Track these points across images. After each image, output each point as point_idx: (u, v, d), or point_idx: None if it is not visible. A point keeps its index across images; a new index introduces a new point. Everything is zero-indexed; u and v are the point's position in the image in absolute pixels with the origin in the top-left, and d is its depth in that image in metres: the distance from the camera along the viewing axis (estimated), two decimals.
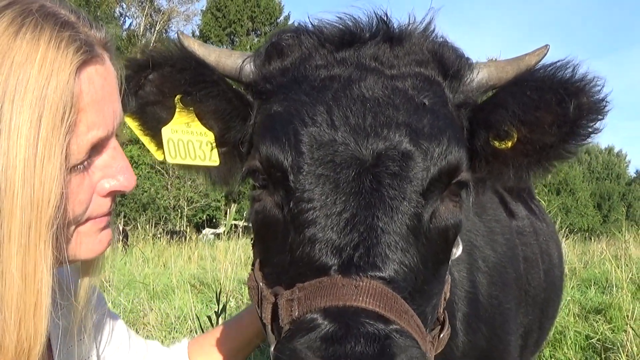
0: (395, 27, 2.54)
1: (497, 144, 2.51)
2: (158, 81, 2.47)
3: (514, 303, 3.86)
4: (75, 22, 2.10)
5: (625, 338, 7.75)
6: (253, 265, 2.47)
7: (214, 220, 48.80)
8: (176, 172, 46.27)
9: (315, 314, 1.86)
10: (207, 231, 36.16)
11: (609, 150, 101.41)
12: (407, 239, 2.08)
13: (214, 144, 2.64)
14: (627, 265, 13.65)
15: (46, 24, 1.98)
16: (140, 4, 64.96)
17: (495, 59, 2.79)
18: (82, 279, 2.48)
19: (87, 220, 2.22)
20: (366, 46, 2.46)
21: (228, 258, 16.17)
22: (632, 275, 12.64)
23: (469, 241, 3.54)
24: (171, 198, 45.19)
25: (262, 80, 2.55)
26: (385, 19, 2.53)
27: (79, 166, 2.09)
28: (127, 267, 15.73)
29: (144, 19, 62.34)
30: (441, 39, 2.60)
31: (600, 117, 2.38)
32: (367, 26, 2.51)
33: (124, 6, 62.59)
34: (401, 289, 1.97)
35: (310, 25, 2.59)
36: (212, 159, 2.65)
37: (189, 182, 46.72)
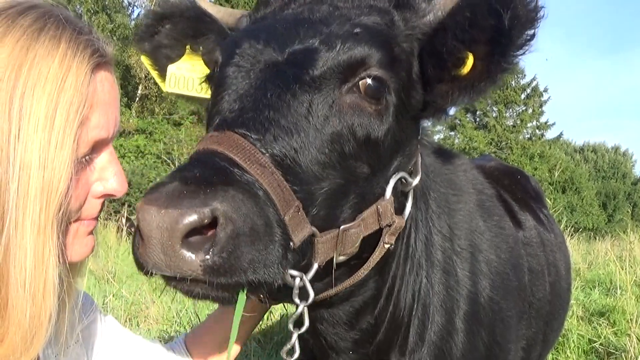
0: None
1: (454, 72, 2.64)
2: (170, 29, 3.03)
3: (516, 312, 3.84)
4: (87, 29, 2.32)
5: (629, 343, 7.71)
6: None
7: None
8: (182, 162, 46.36)
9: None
10: None
11: (616, 149, 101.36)
12: (293, 118, 2.31)
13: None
14: (631, 267, 13.59)
15: (66, 27, 2.20)
16: None
17: None
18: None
19: (79, 219, 2.36)
20: None
21: None
22: (636, 277, 12.60)
23: (473, 242, 3.58)
24: None
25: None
26: None
27: (82, 159, 2.26)
28: (130, 257, 15.72)
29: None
30: None
31: (534, 23, 2.48)
32: None
33: None
34: (267, 151, 2.18)
35: None
36: (208, 92, 3.08)
37: None
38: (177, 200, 1.86)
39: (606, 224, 70.73)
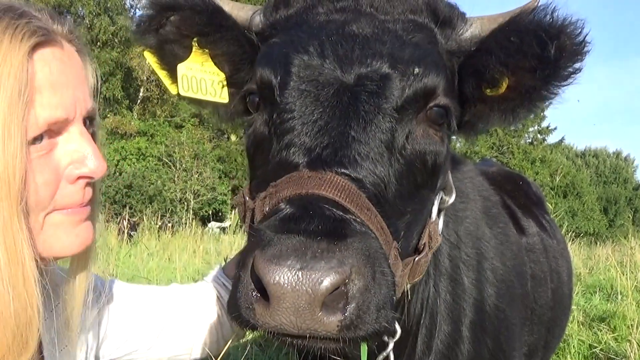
0: None
1: (488, 91, 2.67)
2: (178, 22, 2.71)
3: (519, 319, 3.84)
4: (33, 14, 2.26)
5: (629, 349, 7.70)
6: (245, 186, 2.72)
7: (220, 214, 48.83)
8: (183, 165, 46.38)
9: (280, 203, 2.03)
10: (213, 225, 36.13)
11: (617, 154, 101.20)
12: (379, 151, 2.27)
13: (225, 83, 2.89)
14: (632, 272, 13.57)
15: (5, 15, 2.15)
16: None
17: None
18: (72, 277, 2.53)
19: (55, 209, 2.29)
20: None
21: (234, 253, 16.14)
22: (637, 283, 12.58)
23: (479, 250, 3.58)
24: (178, 191, 45.25)
25: (269, 27, 2.78)
26: None
27: (38, 143, 2.19)
28: (131, 259, 15.70)
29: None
30: None
31: (580, 57, 2.50)
32: None
33: None
34: (367, 191, 2.13)
35: None
36: (222, 96, 2.90)
37: (196, 176, 46.80)
38: (313, 260, 1.77)
39: (607, 229, 70.72)
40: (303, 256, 1.77)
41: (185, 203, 42.85)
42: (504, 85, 2.63)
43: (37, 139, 2.19)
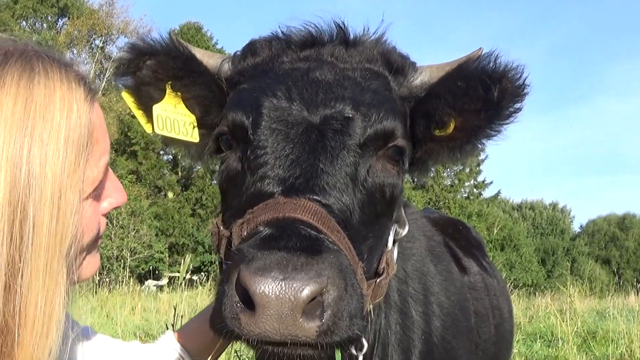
0: (350, 34, 3.01)
1: (437, 132, 2.94)
2: (154, 66, 2.92)
3: (465, 351, 3.96)
4: (72, 63, 2.30)
5: None
6: (216, 218, 2.87)
7: (157, 272, 48.28)
8: (120, 222, 45.74)
9: (259, 227, 2.22)
10: (150, 282, 35.79)
11: (554, 206, 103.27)
12: (344, 182, 2.50)
13: (195, 125, 3.10)
14: (572, 319, 13.77)
15: (53, 66, 2.16)
16: (90, 50, 64.89)
17: None
18: None
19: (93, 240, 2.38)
20: (325, 47, 2.95)
21: (173, 311, 15.95)
22: (577, 328, 12.76)
23: (426, 285, 3.77)
24: (114, 248, 44.57)
25: (237, 74, 3.01)
26: (342, 27, 3.00)
27: (93, 193, 2.28)
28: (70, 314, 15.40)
29: (94, 65, 61.97)
30: (390, 46, 3.08)
31: (520, 98, 2.80)
32: (327, 32, 2.99)
33: (75, 52, 62.24)
34: (335, 216, 2.35)
35: (280, 32, 3.05)
36: (193, 136, 3.10)
37: (133, 233, 46.25)
38: (294, 272, 1.94)
39: (545, 279, 71.66)
40: (285, 268, 1.95)
41: (122, 260, 42.24)
42: (452, 126, 2.90)
43: (94, 190, 2.29)
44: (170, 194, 59.59)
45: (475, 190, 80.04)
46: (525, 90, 2.79)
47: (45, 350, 2.09)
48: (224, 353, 3.55)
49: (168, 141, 3.11)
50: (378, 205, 2.70)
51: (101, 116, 2.34)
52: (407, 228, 3.17)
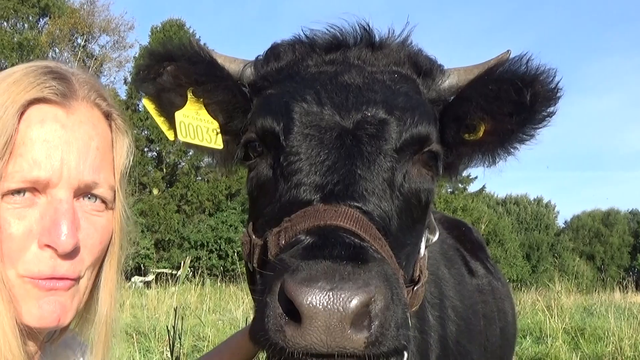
0: (376, 36, 2.96)
1: (467, 136, 2.91)
2: (175, 71, 2.85)
3: (478, 356, 4.01)
4: (61, 74, 2.36)
5: None
6: (246, 226, 2.80)
7: (143, 268, 47.97)
8: None
9: (299, 235, 2.14)
10: (136, 279, 35.54)
11: (538, 201, 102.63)
12: (382, 188, 2.45)
13: (219, 131, 3.02)
14: (559, 315, 13.84)
15: (39, 72, 2.28)
16: (72, 49, 64.34)
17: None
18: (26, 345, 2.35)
19: (26, 275, 2.21)
20: (350, 50, 2.89)
21: (161, 307, 15.95)
22: (565, 325, 12.83)
23: (441, 289, 3.77)
24: None
25: (261, 79, 2.96)
26: (367, 29, 2.94)
27: (17, 195, 2.20)
28: None
29: (76, 63, 61.43)
30: (416, 48, 3.02)
31: (554, 102, 2.76)
32: (352, 34, 2.93)
33: (57, 50, 61.88)
34: (376, 223, 2.28)
35: (303, 36, 2.99)
36: (217, 143, 3.03)
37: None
38: (342, 282, 1.86)
39: (530, 275, 71.45)
40: (332, 278, 1.86)
41: None
42: (482, 130, 2.87)
43: (18, 192, 2.19)
44: (155, 191, 59.00)
45: (460, 185, 79.76)
46: (558, 94, 2.76)
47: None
48: None
49: (192, 148, 3.07)
50: (414, 211, 2.66)
51: (53, 131, 2.26)
52: (437, 234, 3.14)
